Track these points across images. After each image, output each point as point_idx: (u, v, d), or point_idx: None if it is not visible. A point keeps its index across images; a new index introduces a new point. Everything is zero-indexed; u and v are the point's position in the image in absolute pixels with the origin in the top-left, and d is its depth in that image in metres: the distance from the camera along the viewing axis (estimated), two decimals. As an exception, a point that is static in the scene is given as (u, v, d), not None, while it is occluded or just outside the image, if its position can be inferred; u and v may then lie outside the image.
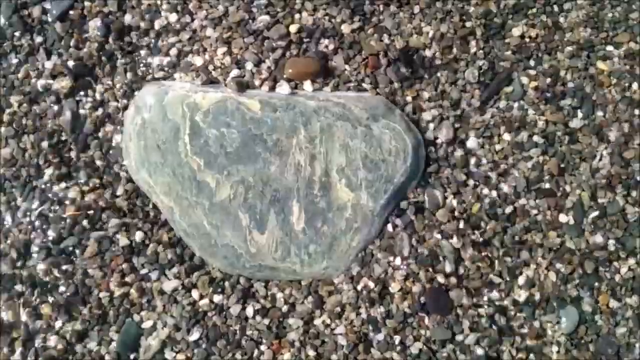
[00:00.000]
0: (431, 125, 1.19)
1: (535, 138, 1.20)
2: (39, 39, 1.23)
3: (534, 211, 1.18)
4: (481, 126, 1.20)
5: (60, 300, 1.15)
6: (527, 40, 1.23)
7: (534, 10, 1.25)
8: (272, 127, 1.15)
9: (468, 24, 1.23)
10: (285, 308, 1.15)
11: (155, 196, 1.16)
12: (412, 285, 1.14)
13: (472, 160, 1.19)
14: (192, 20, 1.23)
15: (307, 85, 1.19)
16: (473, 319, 1.14)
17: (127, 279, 1.16)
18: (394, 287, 1.15)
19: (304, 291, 1.16)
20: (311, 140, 1.15)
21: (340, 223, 1.15)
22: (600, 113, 1.21)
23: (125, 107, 1.20)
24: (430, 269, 1.15)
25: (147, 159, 1.16)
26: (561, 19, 1.25)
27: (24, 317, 1.15)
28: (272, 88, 1.19)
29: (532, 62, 1.23)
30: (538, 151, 1.19)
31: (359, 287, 1.15)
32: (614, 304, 1.15)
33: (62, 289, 1.15)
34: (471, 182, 1.18)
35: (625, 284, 1.16)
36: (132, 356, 1.14)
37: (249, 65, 1.20)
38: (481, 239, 1.16)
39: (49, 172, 1.19)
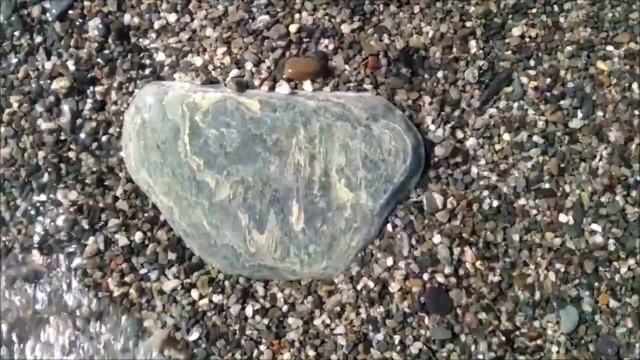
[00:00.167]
0: (431, 126, 1.19)
1: (535, 138, 1.19)
2: (38, 39, 1.23)
3: (534, 211, 1.18)
4: (481, 126, 1.20)
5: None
6: (527, 40, 1.23)
7: (534, 10, 1.25)
8: (272, 127, 1.15)
9: (468, 24, 1.23)
10: (285, 308, 1.15)
11: (155, 196, 1.16)
12: (412, 285, 1.15)
13: (472, 161, 1.19)
14: (192, 20, 1.23)
15: (307, 85, 1.19)
16: (473, 318, 1.14)
17: (127, 279, 1.16)
18: (394, 287, 1.15)
19: (304, 291, 1.16)
20: (311, 140, 1.14)
21: (339, 223, 1.14)
22: (600, 113, 1.21)
23: (125, 107, 1.20)
24: (430, 269, 1.15)
25: (147, 159, 1.16)
26: (561, 19, 1.25)
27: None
28: (272, 88, 1.19)
29: (532, 62, 1.22)
30: (538, 151, 1.19)
31: (358, 287, 1.15)
32: (613, 303, 1.15)
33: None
34: (471, 182, 1.18)
35: (625, 283, 1.16)
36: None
37: (249, 65, 1.20)
38: (481, 239, 1.16)
39: (48, 172, 1.19)
